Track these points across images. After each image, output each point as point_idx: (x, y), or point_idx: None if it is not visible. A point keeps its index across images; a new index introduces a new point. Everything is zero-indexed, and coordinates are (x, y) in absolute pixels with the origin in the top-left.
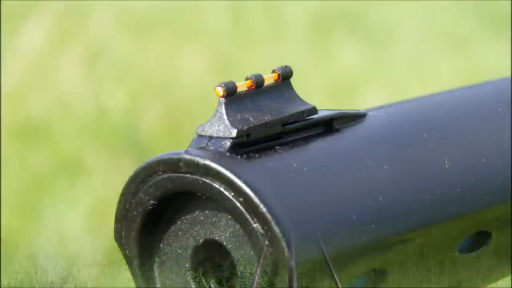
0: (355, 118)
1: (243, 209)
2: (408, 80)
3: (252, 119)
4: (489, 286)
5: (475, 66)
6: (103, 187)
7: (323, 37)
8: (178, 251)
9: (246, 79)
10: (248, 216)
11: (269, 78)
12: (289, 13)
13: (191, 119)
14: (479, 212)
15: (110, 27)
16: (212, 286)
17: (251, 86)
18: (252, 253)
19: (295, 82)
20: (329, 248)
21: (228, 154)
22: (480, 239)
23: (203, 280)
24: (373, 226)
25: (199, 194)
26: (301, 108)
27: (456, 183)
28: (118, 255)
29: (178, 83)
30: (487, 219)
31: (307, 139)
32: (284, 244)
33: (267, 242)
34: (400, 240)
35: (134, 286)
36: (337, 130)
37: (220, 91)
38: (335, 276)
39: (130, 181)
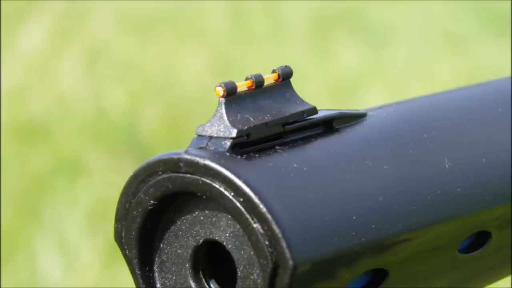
0: (355, 118)
1: (243, 209)
2: (408, 80)
3: (252, 119)
4: (489, 286)
5: (475, 66)
6: (103, 187)
7: (323, 37)
8: (178, 251)
9: (246, 79)
10: (248, 216)
11: (269, 78)
12: (289, 13)
13: (191, 119)
14: (479, 212)
15: (110, 27)
16: (212, 286)
17: (251, 86)
18: (252, 253)
19: (295, 82)
20: (329, 248)
21: (228, 154)
22: (480, 239)
23: (203, 280)
24: (373, 226)
25: (199, 194)
26: (301, 108)
27: (456, 183)
28: (118, 255)
29: (178, 83)
30: (487, 219)
31: (307, 139)
32: (284, 244)
33: (267, 242)
34: (400, 240)
35: (134, 286)
36: (337, 130)
37: (220, 91)
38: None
39: (130, 181)
